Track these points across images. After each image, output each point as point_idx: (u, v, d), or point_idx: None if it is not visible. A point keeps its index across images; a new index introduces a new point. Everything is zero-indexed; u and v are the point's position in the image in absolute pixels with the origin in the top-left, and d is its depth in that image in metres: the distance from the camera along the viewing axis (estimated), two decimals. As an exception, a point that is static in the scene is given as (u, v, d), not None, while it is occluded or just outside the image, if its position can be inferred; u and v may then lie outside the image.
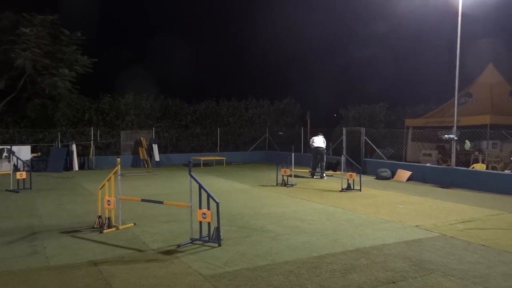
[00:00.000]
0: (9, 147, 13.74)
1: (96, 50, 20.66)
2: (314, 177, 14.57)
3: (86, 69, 19.16)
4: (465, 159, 14.80)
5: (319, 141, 14.83)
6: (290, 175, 12.51)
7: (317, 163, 14.80)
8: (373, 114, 21.07)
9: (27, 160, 15.25)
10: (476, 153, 15.09)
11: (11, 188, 11.30)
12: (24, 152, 16.11)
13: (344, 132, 16.97)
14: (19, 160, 13.13)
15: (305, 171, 14.87)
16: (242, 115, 23.67)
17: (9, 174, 11.62)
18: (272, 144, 22.96)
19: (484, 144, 15.03)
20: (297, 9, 32.23)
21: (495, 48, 19.43)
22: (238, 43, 35.37)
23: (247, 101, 24.16)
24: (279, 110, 24.60)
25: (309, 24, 32.25)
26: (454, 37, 12.83)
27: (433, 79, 24.20)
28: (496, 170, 13.23)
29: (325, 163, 14.81)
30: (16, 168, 13.07)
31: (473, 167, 13.28)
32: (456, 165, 12.95)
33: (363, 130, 16.42)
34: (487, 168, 13.22)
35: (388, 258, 5.42)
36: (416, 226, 7.24)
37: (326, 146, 15.29)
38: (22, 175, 11.22)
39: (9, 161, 13.82)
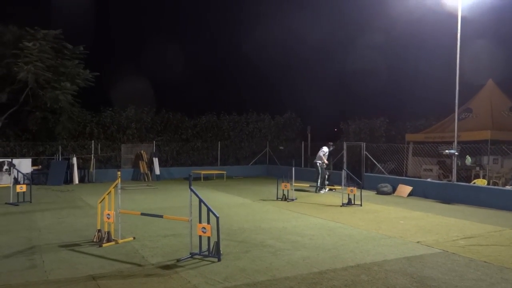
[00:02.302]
0: (9, 160, 13.75)
1: (98, 64, 20.82)
2: (321, 191, 14.46)
3: (88, 82, 19.25)
4: (466, 175, 14.76)
5: (318, 155, 14.80)
6: (291, 189, 12.47)
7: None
8: (373, 128, 21.09)
9: (27, 173, 15.24)
10: (477, 168, 15.06)
11: (11, 201, 11.28)
12: (24, 165, 16.11)
13: (344, 146, 16.98)
14: (19, 173, 13.11)
15: (306, 185, 14.82)
16: (243, 129, 23.70)
17: (9, 187, 11.60)
18: (272, 158, 22.94)
19: (485, 159, 15.01)
20: (297, 23, 32.56)
21: (495, 63, 19.56)
22: (240, 58, 35.70)
23: (248, 115, 24.22)
24: (280, 125, 24.63)
25: (308, 38, 32.55)
26: (454, 52, 12.92)
27: (434, 94, 24.30)
28: (497, 186, 13.19)
29: (321, 177, 14.58)
30: (16, 181, 13.07)
31: (474, 183, 13.25)
32: (457, 181, 12.91)
33: (363, 145, 16.44)
34: (488, 184, 13.19)
35: (389, 274, 5.37)
36: (418, 242, 7.19)
37: (328, 158, 15.10)
38: (22, 188, 11.20)
39: (10, 174, 13.80)
